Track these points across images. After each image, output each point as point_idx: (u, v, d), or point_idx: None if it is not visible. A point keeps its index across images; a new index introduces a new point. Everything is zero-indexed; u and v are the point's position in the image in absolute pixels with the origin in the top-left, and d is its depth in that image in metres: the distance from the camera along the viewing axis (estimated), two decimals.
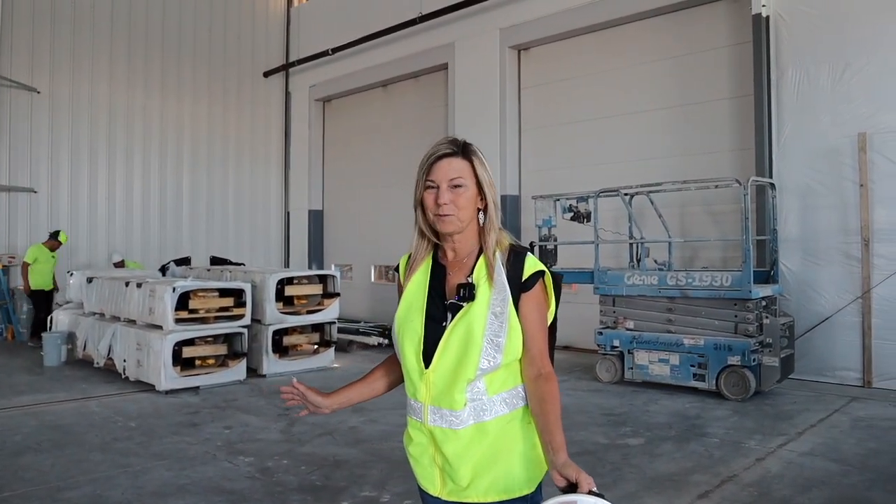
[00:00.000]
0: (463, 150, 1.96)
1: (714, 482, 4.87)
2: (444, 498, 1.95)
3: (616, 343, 8.41)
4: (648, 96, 10.69)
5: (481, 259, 1.96)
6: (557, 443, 1.78)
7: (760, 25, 8.99)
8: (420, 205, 1.97)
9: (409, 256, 2.05)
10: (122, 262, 12.96)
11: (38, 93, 13.45)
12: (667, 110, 10.49)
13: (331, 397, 2.12)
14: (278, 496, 4.74)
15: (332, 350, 10.05)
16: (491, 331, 1.86)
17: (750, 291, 7.38)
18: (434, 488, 1.96)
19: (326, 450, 5.81)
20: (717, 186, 8.51)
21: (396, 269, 2.12)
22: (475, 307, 1.89)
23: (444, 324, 1.91)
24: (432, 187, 1.92)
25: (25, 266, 11.65)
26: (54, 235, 12.10)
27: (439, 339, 1.90)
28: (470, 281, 1.92)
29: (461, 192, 1.91)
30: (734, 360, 7.42)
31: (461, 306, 1.90)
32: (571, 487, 1.66)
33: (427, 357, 1.91)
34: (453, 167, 1.93)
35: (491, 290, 1.90)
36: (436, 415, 1.91)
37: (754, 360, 7.36)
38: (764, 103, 8.95)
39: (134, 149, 14.84)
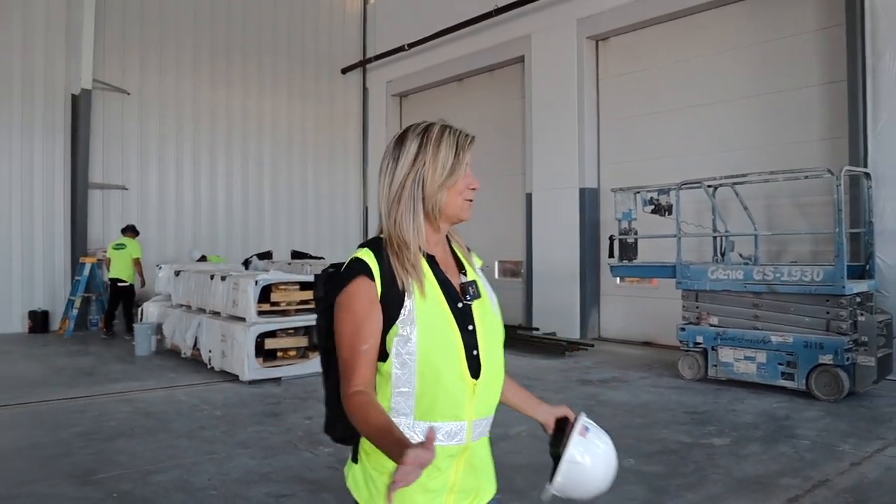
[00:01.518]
0: None
1: (805, 486, 4.65)
2: None
3: (699, 339, 8.15)
4: (731, 85, 10.31)
5: (457, 251, 1.89)
6: (536, 398, 1.95)
7: (854, 7, 8.53)
8: (441, 188, 1.75)
9: (373, 255, 1.71)
10: (204, 257, 13.40)
11: (129, 94, 14.05)
12: (750, 99, 10.09)
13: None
14: None
15: None
16: (501, 324, 1.86)
17: (843, 287, 7.02)
18: None
19: None
20: (806, 177, 8.13)
21: (361, 270, 1.68)
22: (486, 304, 1.81)
23: (469, 328, 1.73)
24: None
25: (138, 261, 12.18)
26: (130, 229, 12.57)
27: (474, 346, 1.72)
28: (468, 279, 1.83)
29: None
30: (826, 358, 7.08)
31: (470, 306, 1.77)
32: (559, 429, 1.84)
33: (473, 368, 1.72)
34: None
35: (483, 283, 1.86)
36: (478, 428, 1.76)
37: (848, 359, 7.00)
38: (858, 89, 8.51)
39: (217, 145, 15.33)
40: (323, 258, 13.50)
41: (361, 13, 17.65)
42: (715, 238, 8.81)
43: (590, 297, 12.03)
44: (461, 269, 1.85)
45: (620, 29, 11.63)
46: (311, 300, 9.01)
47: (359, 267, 1.68)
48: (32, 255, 13.10)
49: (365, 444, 1.73)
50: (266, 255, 12.87)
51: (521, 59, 13.34)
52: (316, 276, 1.83)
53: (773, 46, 9.88)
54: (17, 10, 12.91)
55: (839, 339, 7.05)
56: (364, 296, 1.66)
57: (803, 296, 7.36)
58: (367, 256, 1.70)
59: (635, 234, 9.16)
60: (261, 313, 8.54)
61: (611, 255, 9.29)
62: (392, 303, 1.67)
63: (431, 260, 1.77)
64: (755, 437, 5.84)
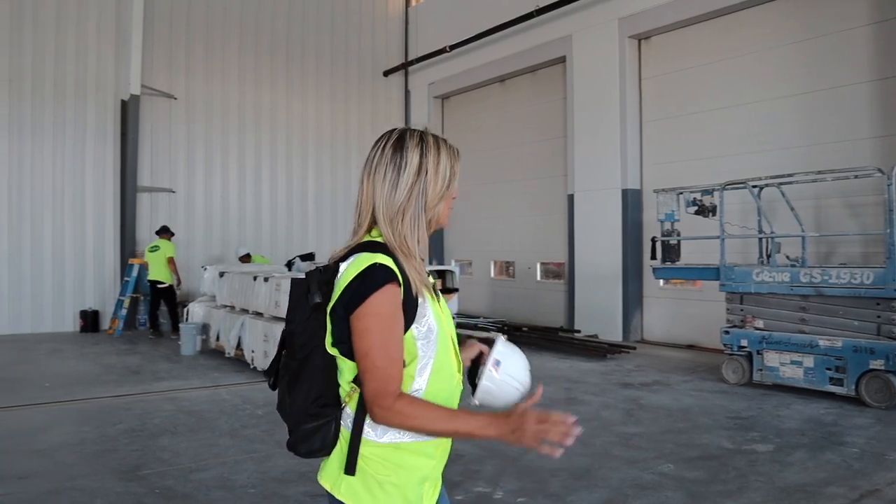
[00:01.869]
0: None
1: (852, 496, 4.51)
2: None
3: (744, 343, 7.98)
4: (776, 83, 10.08)
5: None
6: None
7: None
8: (441, 199, 1.82)
9: (392, 260, 1.70)
10: (248, 255, 13.64)
11: (175, 99, 14.36)
12: (797, 97, 9.85)
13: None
14: None
15: None
16: None
17: (895, 290, 6.80)
18: None
19: None
20: (856, 176, 7.89)
21: (391, 277, 1.66)
22: (444, 307, 1.88)
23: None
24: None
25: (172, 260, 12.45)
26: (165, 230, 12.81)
27: (455, 342, 1.86)
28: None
29: None
30: (877, 363, 6.86)
31: None
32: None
33: (457, 363, 1.85)
34: None
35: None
36: None
37: None
38: None
39: (262, 148, 15.58)
40: None
41: (403, 16, 17.75)
42: (760, 239, 8.62)
43: (632, 299, 11.89)
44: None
45: (662, 28, 11.47)
46: None
47: (387, 273, 1.65)
48: (84, 256, 13.50)
49: (365, 450, 1.71)
50: (309, 257, 13.02)
51: (562, 60, 13.25)
52: (307, 276, 1.76)
53: (819, 42, 9.63)
54: (72, 19, 13.32)
55: (891, 343, 6.82)
56: (395, 302, 1.65)
57: (852, 299, 7.15)
58: (389, 262, 1.67)
59: (678, 235, 9.01)
60: None
61: (653, 256, 9.16)
62: (409, 308, 1.68)
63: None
64: (801, 444, 5.69)
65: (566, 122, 13.16)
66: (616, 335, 11.77)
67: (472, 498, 4.60)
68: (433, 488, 1.83)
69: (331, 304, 1.69)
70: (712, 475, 4.95)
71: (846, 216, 9.19)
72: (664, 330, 11.67)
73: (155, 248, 12.34)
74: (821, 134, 9.55)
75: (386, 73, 17.38)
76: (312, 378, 1.73)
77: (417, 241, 1.75)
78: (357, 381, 1.70)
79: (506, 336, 2.03)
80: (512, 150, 14.88)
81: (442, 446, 1.80)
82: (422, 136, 1.80)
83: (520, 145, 14.69)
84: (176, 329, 12.20)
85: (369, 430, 1.70)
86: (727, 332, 8.14)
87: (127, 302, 12.82)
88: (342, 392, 1.74)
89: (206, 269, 11.63)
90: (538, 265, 14.35)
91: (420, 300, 1.71)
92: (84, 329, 13.11)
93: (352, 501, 1.71)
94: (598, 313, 12.20)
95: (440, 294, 1.89)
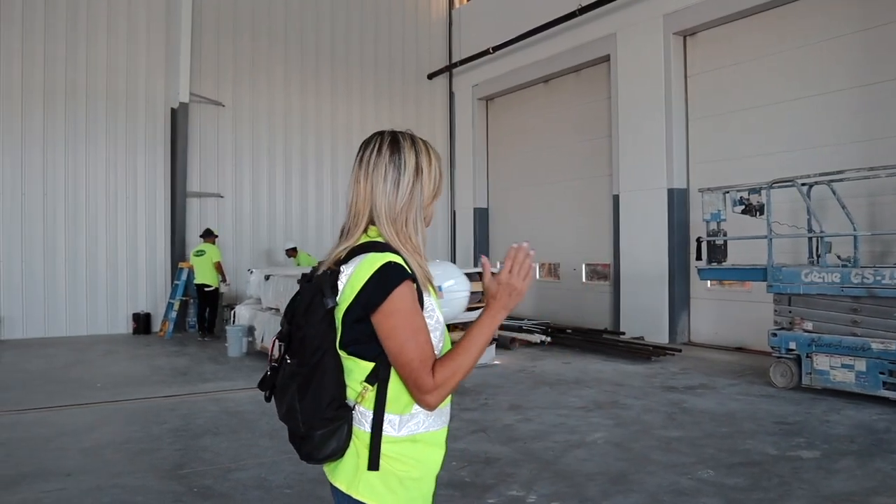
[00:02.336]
0: None
1: None
2: None
3: (792, 345, 7.74)
4: (829, 77, 9.76)
5: None
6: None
7: None
8: (433, 199, 1.88)
9: (402, 256, 1.76)
10: (295, 249, 13.88)
11: (223, 106, 14.67)
12: (851, 90, 9.52)
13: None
14: None
15: (492, 347, 10.09)
16: None
17: None
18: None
19: (479, 446, 5.83)
20: None
21: (407, 274, 1.71)
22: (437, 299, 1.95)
23: None
24: None
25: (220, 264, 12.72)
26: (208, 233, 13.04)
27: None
28: None
29: None
30: None
31: None
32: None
33: None
34: None
35: None
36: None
37: None
38: None
39: (308, 153, 15.79)
40: None
41: (447, 19, 17.78)
42: (810, 239, 8.37)
43: (679, 300, 11.66)
44: None
45: (708, 23, 11.22)
46: None
47: (403, 271, 1.69)
48: (136, 260, 13.88)
49: (385, 447, 1.73)
50: None
51: (606, 59, 13.09)
52: (318, 279, 1.79)
53: (875, 34, 9.29)
54: (122, 32, 13.72)
55: None
56: (414, 297, 1.70)
57: None
58: (401, 261, 1.72)
59: (724, 235, 8.80)
60: None
61: (698, 257, 8.97)
62: (420, 304, 1.74)
63: None
64: (849, 451, 5.49)
65: (611, 121, 12.99)
66: (662, 337, 11.57)
67: (505, 501, 4.56)
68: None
69: (343, 306, 1.71)
70: (753, 482, 4.81)
71: None
72: (711, 332, 11.41)
73: (201, 253, 12.60)
74: (878, 129, 9.21)
75: (430, 76, 17.45)
76: (326, 381, 1.73)
77: (422, 239, 1.81)
78: (369, 379, 1.72)
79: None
80: (557, 150, 14.76)
81: (444, 438, 1.87)
82: (412, 138, 1.84)
83: (565, 146, 14.56)
84: (210, 330, 12.51)
85: (388, 427, 1.73)
86: (775, 335, 7.92)
87: (177, 305, 13.13)
88: (351, 393, 1.75)
89: (252, 271, 11.83)
90: (584, 266, 14.20)
91: (426, 296, 1.76)
92: (136, 331, 13.47)
93: (372, 500, 1.73)
94: (644, 315, 12.01)
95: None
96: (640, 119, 12.14)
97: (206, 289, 12.54)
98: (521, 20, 14.56)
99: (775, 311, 8.04)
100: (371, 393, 1.73)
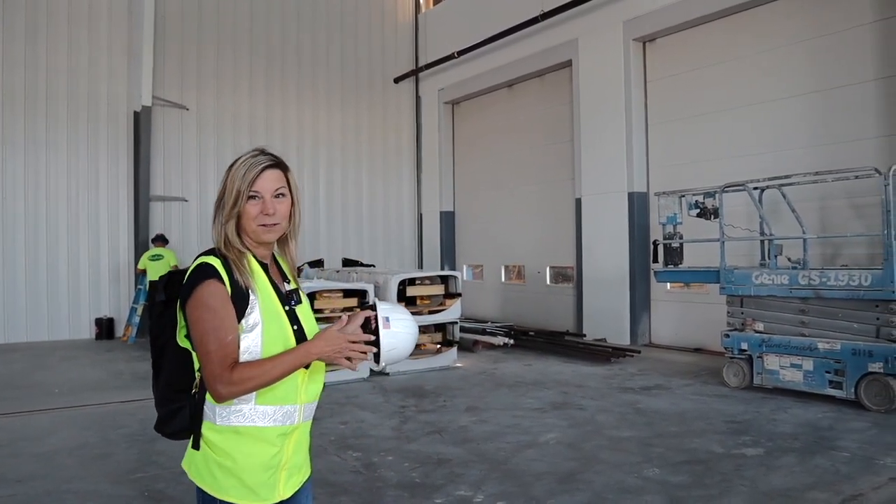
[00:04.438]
0: (279, 161, 2.09)
1: (834, 501, 4.49)
2: (282, 497, 2.02)
3: (744, 346, 7.93)
4: (783, 83, 10.00)
5: (283, 264, 2.16)
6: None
7: None
8: (233, 215, 1.98)
9: (220, 262, 1.94)
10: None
11: (187, 110, 14.57)
12: (803, 97, 9.76)
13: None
14: (376, 491, 4.87)
15: (454, 350, 10.17)
16: (317, 326, 2.12)
17: (893, 292, 6.72)
18: (275, 495, 1.99)
19: (432, 448, 5.90)
20: (856, 177, 7.81)
21: (213, 273, 1.90)
22: (305, 309, 2.11)
23: (295, 327, 2.03)
24: (256, 198, 1.99)
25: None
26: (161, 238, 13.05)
27: (303, 340, 2.00)
28: (291, 287, 2.11)
29: (283, 202, 2.06)
30: (876, 366, 6.79)
31: (295, 309, 2.06)
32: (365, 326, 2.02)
33: None
34: (276, 177, 2.05)
35: (303, 292, 2.16)
36: (307, 411, 2.05)
37: None
38: None
39: None
40: (374, 265, 13.70)
41: (413, 22, 17.85)
42: (762, 242, 8.57)
43: (640, 302, 11.85)
44: (285, 279, 2.13)
45: (667, 29, 11.43)
46: (354, 306, 9.18)
47: (209, 270, 1.90)
48: (99, 265, 13.74)
49: (206, 432, 1.93)
50: (318, 263, 13.13)
51: (569, 64, 13.25)
52: (161, 277, 2.06)
53: (825, 41, 9.54)
54: (83, 34, 13.58)
55: (890, 346, 6.75)
56: (219, 295, 1.87)
57: (852, 301, 7.07)
58: (214, 262, 1.92)
59: (680, 238, 8.98)
60: None
61: (654, 259, 9.14)
62: (239, 302, 1.90)
63: (265, 267, 2.05)
64: (791, 448, 5.66)
65: (573, 126, 13.16)
66: (624, 339, 11.74)
67: (453, 501, 4.64)
68: (288, 478, 2.02)
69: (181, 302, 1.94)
70: (696, 479, 4.94)
71: (852, 217, 9.09)
72: (672, 333, 11.61)
73: (158, 257, 12.53)
74: (829, 134, 9.45)
75: (396, 80, 17.49)
76: (165, 367, 2.01)
77: (240, 241, 1.99)
78: (200, 369, 1.94)
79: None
80: (521, 154, 14.91)
81: (288, 435, 1.99)
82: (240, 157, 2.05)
83: (529, 149, 14.71)
84: None
85: (208, 413, 1.93)
86: (727, 336, 8.10)
87: (140, 309, 13.00)
88: (198, 379, 1.97)
89: None
90: (548, 269, 14.35)
91: (252, 298, 1.93)
92: (99, 336, 13.33)
93: (198, 481, 1.96)
94: (606, 317, 12.18)
95: (302, 295, 2.13)
96: (602, 123, 12.32)
97: None
98: (487, 25, 14.69)
99: (728, 312, 8.22)
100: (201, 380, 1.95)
